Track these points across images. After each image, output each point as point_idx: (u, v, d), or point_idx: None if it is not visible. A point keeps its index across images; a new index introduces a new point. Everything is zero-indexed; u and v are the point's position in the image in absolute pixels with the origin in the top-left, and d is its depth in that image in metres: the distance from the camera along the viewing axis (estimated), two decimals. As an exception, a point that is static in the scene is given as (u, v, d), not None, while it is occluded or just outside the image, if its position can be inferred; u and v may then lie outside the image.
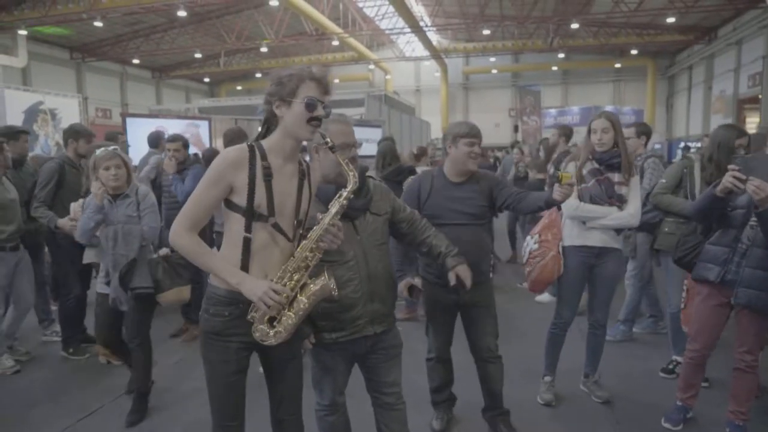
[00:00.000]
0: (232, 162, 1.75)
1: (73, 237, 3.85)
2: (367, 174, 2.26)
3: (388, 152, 5.00)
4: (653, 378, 3.69)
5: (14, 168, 4.29)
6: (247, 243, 1.78)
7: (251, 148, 1.79)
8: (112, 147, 3.18)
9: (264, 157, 1.79)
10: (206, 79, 30.18)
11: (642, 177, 3.93)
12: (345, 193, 1.82)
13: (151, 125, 8.90)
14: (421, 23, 21.12)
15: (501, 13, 20.86)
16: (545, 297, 5.47)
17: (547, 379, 3.36)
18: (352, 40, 21.99)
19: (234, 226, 1.80)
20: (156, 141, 5.64)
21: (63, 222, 3.86)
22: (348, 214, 2.06)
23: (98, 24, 18.40)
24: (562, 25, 20.58)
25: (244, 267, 1.79)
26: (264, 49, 22.96)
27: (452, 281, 2.31)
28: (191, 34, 23.15)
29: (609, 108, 17.52)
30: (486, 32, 22.79)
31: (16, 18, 16.95)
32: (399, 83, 27.61)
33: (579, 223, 3.08)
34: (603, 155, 3.02)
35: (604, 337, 3.32)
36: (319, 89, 1.79)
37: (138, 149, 6.68)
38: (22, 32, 17.92)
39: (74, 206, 3.78)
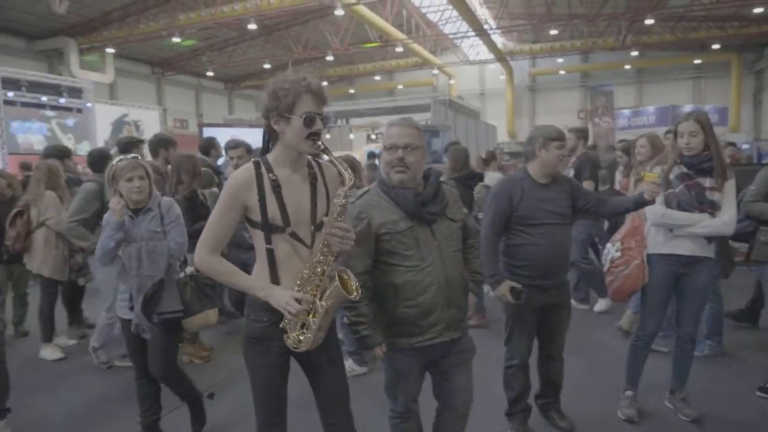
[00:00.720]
0: (241, 184, 1.81)
1: None
2: (440, 179, 2.25)
3: (464, 157, 5.03)
4: (747, 397, 3.42)
5: None
6: (270, 254, 1.83)
7: (257, 165, 1.83)
8: (131, 155, 2.95)
9: (270, 170, 1.83)
10: (275, 89, 31.22)
11: None
12: (343, 193, 1.80)
13: (226, 134, 9.32)
14: (486, 26, 20.85)
15: (569, 12, 20.22)
16: (602, 305, 5.33)
17: (629, 393, 3.18)
18: (415, 46, 22.05)
19: (259, 240, 1.85)
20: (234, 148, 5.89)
21: None
22: (426, 219, 2.09)
23: (176, 40, 19.49)
24: (635, 21, 19.66)
25: (274, 278, 1.84)
26: (330, 58, 23.49)
27: None
28: (261, 45, 24.08)
29: (689, 107, 16.53)
30: (553, 32, 22.16)
31: (105, 38, 18.32)
32: (463, 87, 27.39)
33: (665, 230, 2.91)
34: (692, 159, 2.83)
35: (692, 352, 3.11)
36: (316, 102, 1.80)
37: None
38: (110, 50, 19.33)
39: None
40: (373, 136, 14.59)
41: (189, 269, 2.90)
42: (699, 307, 3.01)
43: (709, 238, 2.88)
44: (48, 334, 4.60)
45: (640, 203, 2.63)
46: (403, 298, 2.06)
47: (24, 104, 13.16)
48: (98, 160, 4.17)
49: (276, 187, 1.81)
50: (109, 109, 15.94)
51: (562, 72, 26.84)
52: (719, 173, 2.79)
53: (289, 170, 1.86)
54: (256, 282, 1.84)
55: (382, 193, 2.11)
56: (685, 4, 17.94)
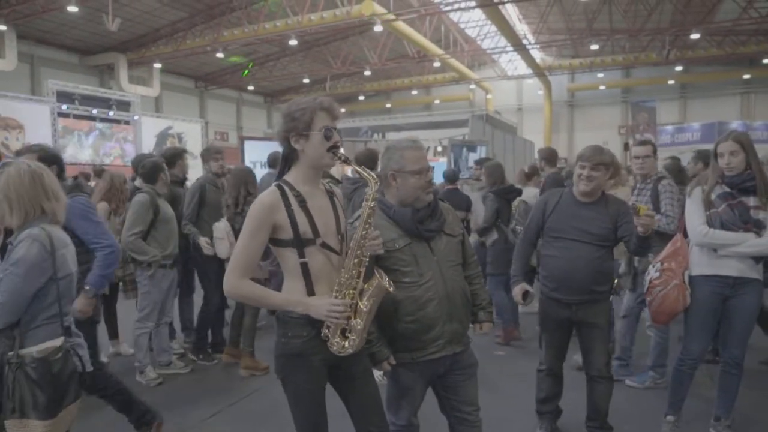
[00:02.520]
0: (269, 206, 1.85)
1: (215, 252, 4.15)
2: (440, 197, 2.34)
3: (501, 172, 5.07)
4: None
5: (182, 185, 4.69)
6: (305, 268, 1.87)
7: (279, 186, 1.89)
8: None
9: (293, 188, 1.90)
10: (313, 103, 31.79)
11: (658, 201, 3.58)
12: (371, 196, 1.86)
13: (266, 147, 9.56)
14: (524, 41, 20.73)
15: (611, 26, 19.91)
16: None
17: (670, 418, 3.08)
18: (453, 61, 22.09)
19: (288, 259, 1.89)
20: (275, 161, 6.05)
21: (201, 242, 4.17)
22: (423, 236, 2.15)
23: (220, 55, 20.15)
24: (680, 35, 19.18)
25: (310, 291, 1.88)
26: (367, 73, 23.75)
27: (476, 330, 2.38)
28: (300, 61, 24.61)
29: (736, 124, 15.99)
30: (594, 47, 21.84)
31: (153, 53, 19.10)
32: (500, 102, 27.19)
33: (709, 250, 2.83)
34: (734, 178, 2.78)
35: (739, 377, 2.98)
36: (330, 117, 1.89)
37: (255, 168, 7.19)
38: (157, 65, 20.13)
39: (219, 226, 4.05)
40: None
41: (32, 350, 1.97)
42: (746, 331, 2.90)
43: (757, 258, 2.80)
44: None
45: (639, 238, 2.57)
46: (403, 314, 2.10)
47: (76, 116, 13.84)
48: (151, 171, 4.02)
49: (302, 202, 1.88)
50: (155, 121, 16.56)
51: (602, 87, 26.33)
52: (762, 192, 2.73)
53: (310, 187, 1.93)
54: (290, 298, 1.88)
55: (381, 213, 2.16)
56: (733, 17, 17.41)
